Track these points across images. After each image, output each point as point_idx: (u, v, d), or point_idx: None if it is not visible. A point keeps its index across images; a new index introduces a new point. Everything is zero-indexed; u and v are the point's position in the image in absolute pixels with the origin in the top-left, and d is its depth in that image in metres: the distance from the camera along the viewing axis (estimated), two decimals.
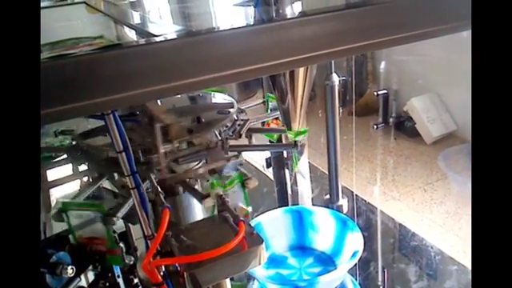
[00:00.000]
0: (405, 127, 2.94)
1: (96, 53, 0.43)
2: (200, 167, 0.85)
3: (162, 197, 0.66)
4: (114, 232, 0.83)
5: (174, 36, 0.52)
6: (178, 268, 0.63)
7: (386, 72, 2.98)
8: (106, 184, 0.90)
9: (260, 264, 0.62)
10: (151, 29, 0.58)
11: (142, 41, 0.49)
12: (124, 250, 0.90)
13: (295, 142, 0.99)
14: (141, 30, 0.58)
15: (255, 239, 0.63)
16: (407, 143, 2.90)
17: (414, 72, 2.97)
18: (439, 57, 2.64)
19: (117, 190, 0.87)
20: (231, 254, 0.60)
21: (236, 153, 0.91)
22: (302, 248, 1.18)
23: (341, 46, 0.60)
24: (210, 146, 0.84)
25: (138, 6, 1.19)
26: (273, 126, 1.09)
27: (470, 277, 1.10)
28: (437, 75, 2.95)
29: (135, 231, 1.06)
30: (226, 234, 0.66)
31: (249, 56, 0.54)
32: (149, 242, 0.65)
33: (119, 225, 0.99)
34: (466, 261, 1.22)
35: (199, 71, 0.51)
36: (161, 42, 0.49)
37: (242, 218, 0.65)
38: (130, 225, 1.01)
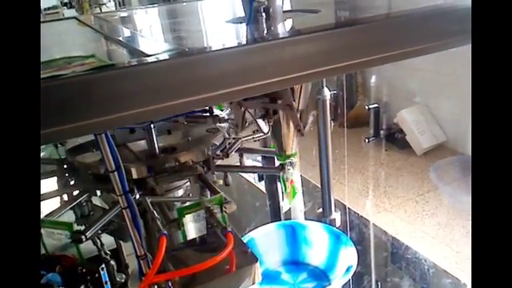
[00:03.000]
0: (395, 139, 2.96)
1: (89, 74, 0.42)
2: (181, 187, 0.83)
3: (158, 222, 0.65)
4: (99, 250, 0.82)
5: (167, 56, 0.52)
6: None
7: (376, 85, 3.01)
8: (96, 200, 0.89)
9: (254, 283, 0.62)
10: (144, 48, 0.58)
11: (136, 61, 0.49)
12: (115, 267, 0.89)
13: (282, 165, 0.98)
14: (133, 49, 0.58)
15: (249, 257, 0.62)
16: (398, 155, 2.92)
17: (403, 84, 3.01)
18: (428, 69, 2.68)
19: (107, 207, 0.86)
20: (225, 273, 0.60)
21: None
22: (295, 263, 1.18)
23: (334, 64, 0.60)
24: (195, 165, 0.83)
25: (129, 22, 1.19)
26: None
27: None
28: (426, 87, 2.99)
29: (126, 248, 1.05)
30: (218, 248, 0.65)
31: (242, 75, 0.54)
32: (141, 261, 0.64)
33: (110, 241, 0.97)
34: (459, 272, 1.23)
35: (194, 91, 0.51)
36: (154, 62, 0.49)
37: (229, 230, 0.64)
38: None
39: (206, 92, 0.52)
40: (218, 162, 0.87)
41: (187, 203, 0.67)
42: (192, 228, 0.66)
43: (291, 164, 0.95)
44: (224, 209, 0.65)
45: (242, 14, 0.76)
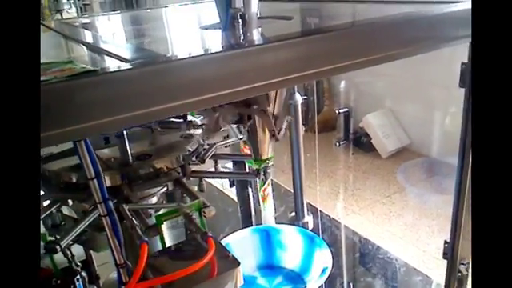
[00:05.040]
0: (361, 142, 3.03)
1: (73, 80, 0.42)
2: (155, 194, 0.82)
3: (138, 229, 0.64)
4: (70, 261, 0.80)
5: (147, 62, 0.52)
6: None
7: (343, 90, 3.08)
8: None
9: (237, 287, 0.62)
10: (122, 53, 0.58)
11: (117, 67, 0.49)
12: (86, 279, 0.87)
13: (258, 170, 0.99)
14: (112, 54, 0.58)
15: (231, 262, 0.62)
16: (364, 158, 2.99)
17: (368, 90, 3.09)
18: (392, 75, 2.76)
19: (76, 216, 0.84)
20: (207, 278, 0.60)
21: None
22: (270, 267, 1.18)
23: (311, 70, 0.62)
24: (170, 172, 0.82)
25: (98, 28, 1.17)
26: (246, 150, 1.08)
27: (433, 286, 1.13)
28: (390, 92, 3.08)
29: (97, 258, 1.02)
30: (198, 253, 0.65)
31: (220, 81, 0.55)
32: (121, 270, 0.63)
33: (80, 252, 0.95)
34: (427, 270, 1.27)
35: (173, 97, 0.51)
36: (134, 68, 0.49)
37: (210, 235, 0.64)
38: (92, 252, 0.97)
39: (185, 98, 0.53)
40: (193, 168, 0.86)
41: (164, 210, 0.67)
42: (170, 234, 0.66)
43: (266, 170, 0.95)
44: (203, 213, 0.65)
45: (212, 21, 0.77)
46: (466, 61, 0.82)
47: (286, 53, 0.58)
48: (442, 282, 1.06)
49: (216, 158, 0.98)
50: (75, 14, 4.61)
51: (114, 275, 0.91)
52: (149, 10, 1.57)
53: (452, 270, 0.99)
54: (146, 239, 0.59)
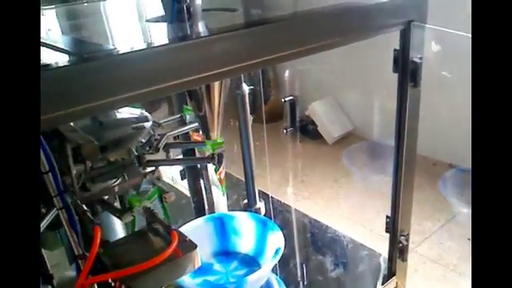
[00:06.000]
0: (308, 130, 3.13)
1: None
2: (117, 185, 0.84)
3: (89, 214, 0.66)
4: None
5: (95, 55, 0.53)
6: (113, 284, 0.63)
7: (288, 79, 3.15)
8: None
9: (195, 268, 0.65)
10: (69, 47, 0.58)
11: (68, 61, 0.50)
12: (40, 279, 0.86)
13: (212, 154, 1.02)
14: (60, 49, 0.58)
15: (189, 245, 0.65)
16: (311, 145, 3.08)
17: (313, 78, 3.18)
18: (334, 63, 2.86)
19: None
20: (166, 262, 0.62)
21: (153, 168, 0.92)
22: (226, 253, 1.22)
23: (253, 60, 0.65)
24: (126, 163, 0.84)
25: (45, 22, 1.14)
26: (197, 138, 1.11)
27: (380, 259, 1.21)
28: (334, 80, 3.18)
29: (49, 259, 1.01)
30: (158, 244, 0.67)
31: (167, 73, 0.57)
32: (80, 261, 0.64)
33: None
34: (373, 246, 1.34)
35: (120, 89, 0.53)
36: (85, 61, 0.50)
37: (174, 228, 0.67)
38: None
39: (133, 90, 0.54)
40: (148, 158, 0.88)
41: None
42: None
43: (220, 153, 0.99)
44: (164, 199, 0.67)
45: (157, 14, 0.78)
46: (397, 47, 0.88)
47: (230, 44, 0.61)
48: (386, 254, 1.14)
49: (169, 147, 1.00)
50: None
51: (68, 273, 0.91)
52: (87, 4, 1.54)
53: (394, 241, 1.07)
54: (99, 222, 0.61)
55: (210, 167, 1.37)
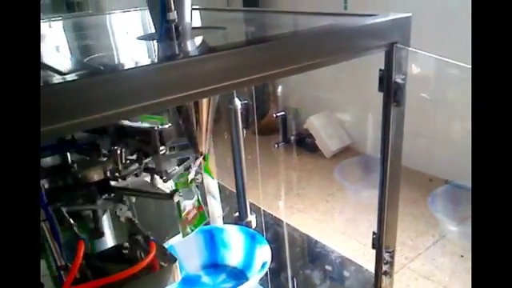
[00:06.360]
0: (306, 143, 3.15)
1: None
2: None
3: (75, 229, 0.67)
4: None
5: (81, 74, 0.55)
6: None
7: (287, 93, 3.18)
8: None
9: (175, 281, 0.66)
10: (57, 65, 0.60)
11: (56, 79, 0.52)
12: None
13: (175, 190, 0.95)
14: (44, 66, 0.60)
15: (169, 258, 0.66)
16: (309, 158, 3.10)
17: (311, 92, 3.21)
18: (332, 78, 2.89)
19: None
20: (145, 274, 0.64)
21: None
22: (214, 266, 1.23)
23: (242, 78, 0.67)
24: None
25: None
26: None
27: (366, 275, 1.22)
28: (332, 95, 3.21)
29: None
30: (139, 256, 0.69)
31: (158, 90, 0.59)
32: (62, 272, 0.66)
33: None
34: (366, 262, 1.35)
35: (113, 105, 0.55)
36: (71, 81, 0.52)
37: (152, 239, 0.68)
38: None
39: (124, 106, 0.56)
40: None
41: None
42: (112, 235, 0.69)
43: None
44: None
45: (150, 31, 0.80)
46: (383, 68, 0.90)
47: (215, 64, 0.63)
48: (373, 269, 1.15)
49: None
50: None
51: None
52: (88, 17, 1.56)
53: (379, 258, 1.08)
54: (83, 237, 0.62)
55: (206, 177, 1.38)
